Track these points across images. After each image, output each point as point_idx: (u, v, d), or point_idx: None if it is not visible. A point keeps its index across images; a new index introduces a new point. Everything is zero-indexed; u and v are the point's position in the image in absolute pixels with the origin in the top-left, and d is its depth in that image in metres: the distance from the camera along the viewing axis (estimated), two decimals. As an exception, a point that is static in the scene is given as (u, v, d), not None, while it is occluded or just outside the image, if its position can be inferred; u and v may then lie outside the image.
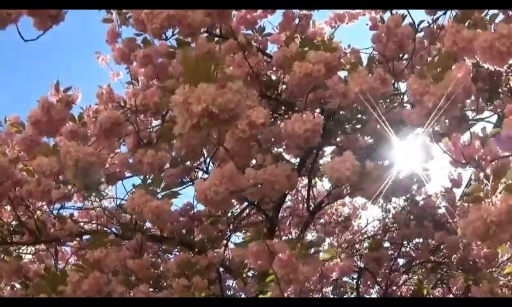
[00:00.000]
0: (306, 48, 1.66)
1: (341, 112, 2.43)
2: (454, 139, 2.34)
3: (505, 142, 1.41)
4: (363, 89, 1.64)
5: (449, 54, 1.43)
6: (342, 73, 1.88)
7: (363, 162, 1.71)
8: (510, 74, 2.50)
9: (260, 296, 1.77)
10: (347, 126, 2.54)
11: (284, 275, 1.45)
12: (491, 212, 1.16)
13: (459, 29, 1.42)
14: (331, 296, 3.85)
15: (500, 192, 1.19)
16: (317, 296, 3.53)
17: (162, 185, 1.67)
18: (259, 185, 1.50)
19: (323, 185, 3.80)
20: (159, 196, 1.62)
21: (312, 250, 1.57)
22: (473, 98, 2.51)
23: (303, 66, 1.59)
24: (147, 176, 1.94)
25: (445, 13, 2.32)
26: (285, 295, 1.60)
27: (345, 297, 3.89)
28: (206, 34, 2.22)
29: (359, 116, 2.49)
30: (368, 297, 3.95)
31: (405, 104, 2.44)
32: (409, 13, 2.30)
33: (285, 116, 2.45)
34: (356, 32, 3.25)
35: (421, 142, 2.32)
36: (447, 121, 2.41)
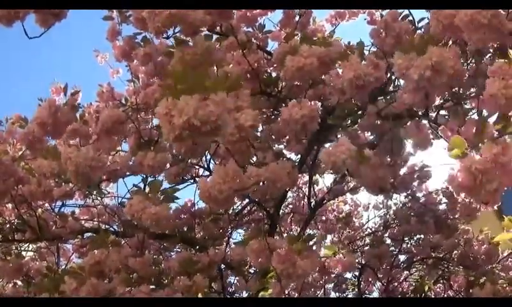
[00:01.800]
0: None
1: (341, 108, 2.42)
2: (451, 125, 2.33)
3: (487, 103, 1.39)
4: (356, 75, 1.63)
5: (435, 35, 1.40)
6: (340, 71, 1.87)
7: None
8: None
9: (261, 294, 1.77)
10: (348, 121, 2.54)
11: (283, 270, 1.45)
12: (475, 160, 1.17)
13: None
14: (332, 293, 3.86)
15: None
16: (318, 293, 3.53)
17: (162, 188, 1.67)
18: (261, 183, 1.50)
19: (324, 182, 3.81)
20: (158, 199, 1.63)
21: (311, 243, 1.57)
22: (474, 94, 2.51)
23: (294, 60, 1.58)
24: (148, 176, 1.94)
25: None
26: (286, 292, 1.61)
27: (346, 296, 3.90)
28: (206, 33, 2.22)
29: (360, 112, 2.49)
30: (370, 297, 3.95)
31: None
32: (409, 11, 2.29)
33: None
34: (356, 30, 3.25)
35: (420, 131, 2.31)
36: (447, 115, 2.41)
